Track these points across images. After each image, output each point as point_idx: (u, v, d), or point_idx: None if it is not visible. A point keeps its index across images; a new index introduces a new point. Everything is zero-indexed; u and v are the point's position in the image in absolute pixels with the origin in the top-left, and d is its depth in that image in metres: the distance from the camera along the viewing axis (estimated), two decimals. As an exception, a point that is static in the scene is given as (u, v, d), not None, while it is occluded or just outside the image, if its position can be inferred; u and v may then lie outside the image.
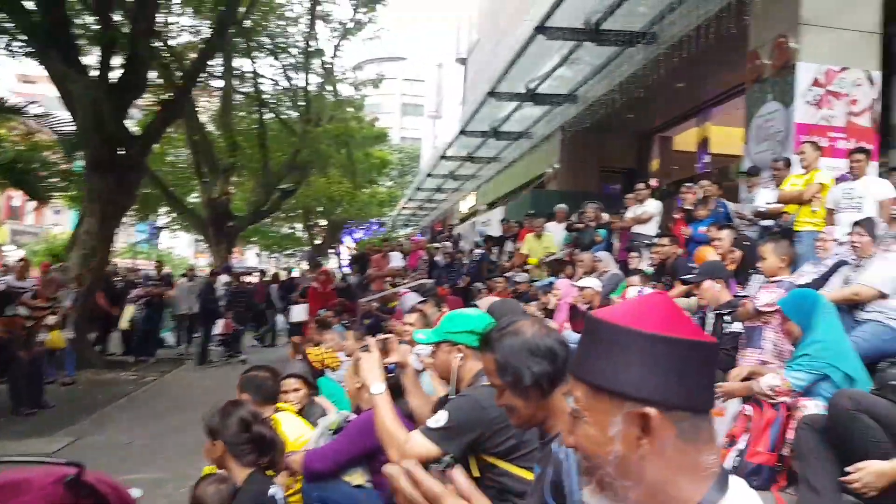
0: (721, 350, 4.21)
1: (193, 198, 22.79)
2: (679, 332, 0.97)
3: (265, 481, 2.63)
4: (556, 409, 1.80)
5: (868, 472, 2.55)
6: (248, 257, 42.18)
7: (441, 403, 2.78)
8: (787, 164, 6.41)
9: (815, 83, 6.98)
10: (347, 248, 32.22)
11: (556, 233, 10.08)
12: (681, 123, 13.51)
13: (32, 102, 8.76)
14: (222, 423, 2.63)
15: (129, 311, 12.28)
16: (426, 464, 2.47)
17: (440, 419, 2.36)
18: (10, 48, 10.88)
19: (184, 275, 13.21)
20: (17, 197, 29.22)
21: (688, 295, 5.40)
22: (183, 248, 41.24)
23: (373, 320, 9.69)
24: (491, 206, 19.55)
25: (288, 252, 36.11)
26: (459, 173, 19.45)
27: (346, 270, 16.02)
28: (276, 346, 14.89)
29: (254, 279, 17.69)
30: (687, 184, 8.35)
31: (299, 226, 31.31)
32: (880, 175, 6.25)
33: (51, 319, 8.46)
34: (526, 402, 1.83)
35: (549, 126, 12.91)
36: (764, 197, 6.43)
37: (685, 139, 13.56)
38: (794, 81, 6.97)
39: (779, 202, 5.96)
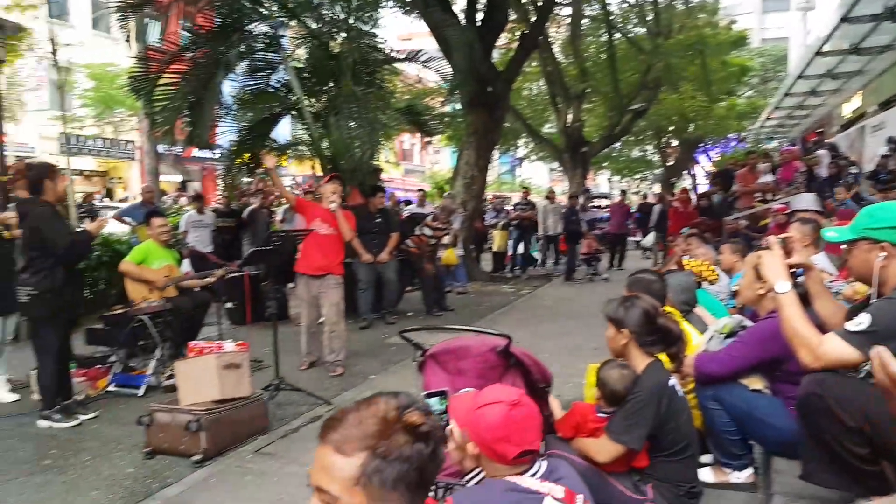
0: None
1: (547, 128, 24.02)
2: None
3: (665, 372, 2.69)
4: None
5: None
6: (600, 183, 42.84)
7: (855, 310, 2.57)
8: None
9: None
10: (703, 167, 30.49)
11: None
12: None
13: (419, 51, 10.14)
14: (626, 313, 2.74)
15: (499, 235, 13.77)
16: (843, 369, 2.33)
17: (862, 322, 2.20)
18: (402, 6, 12.56)
19: (547, 197, 14.20)
20: (406, 141, 34.52)
21: None
22: (540, 177, 43.70)
23: (741, 239, 9.10)
24: (885, 105, 16.40)
25: (638, 176, 35.59)
26: (840, 70, 16.65)
27: (702, 191, 15.42)
28: (624, 269, 15.16)
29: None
30: None
31: (650, 148, 30.59)
32: None
33: (446, 239, 10.01)
34: None
35: (975, -8, 10.20)
36: None
37: None
38: None
39: None
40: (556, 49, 21.35)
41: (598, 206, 24.27)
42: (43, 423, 4.69)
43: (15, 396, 5.36)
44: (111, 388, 5.58)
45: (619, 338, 2.76)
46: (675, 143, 29.09)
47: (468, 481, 1.90)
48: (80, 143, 19.79)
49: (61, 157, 12.57)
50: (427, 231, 9.32)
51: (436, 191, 19.54)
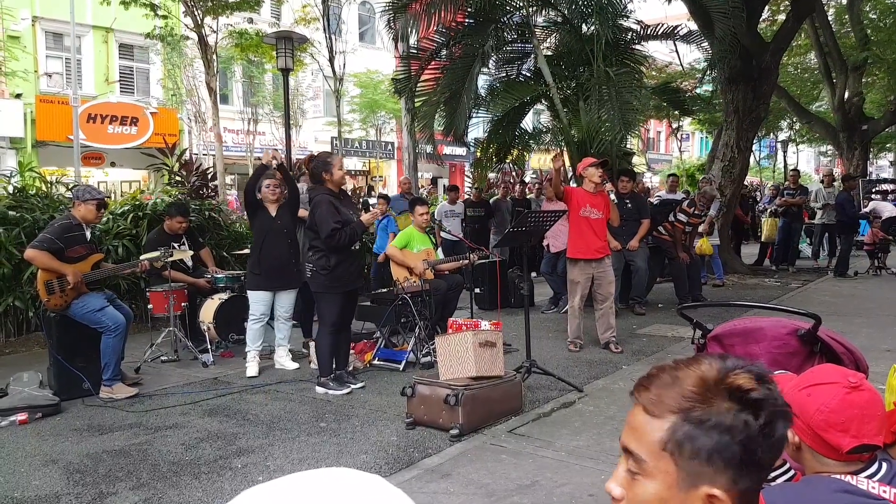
0: None
1: (816, 106, 21.45)
2: None
3: None
4: None
5: None
6: (881, 167, 37.10)
7: None
8: None
9: None
10: None
11: None
12: None
13: (677, 25, 9.50)
14: None
15: (769, 223, 12.43)
16: None
17: None
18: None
19: (821, 181, 12.54)
20: (650, 129, 33.03)
21: None
22: (801, 163, 39.22)
23: None
24: None
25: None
26: None
27: None
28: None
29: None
30: None
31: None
32: None
33: (702, 227, 9.24)
34: None
35: None
36: None
37: None
38: None
39: None
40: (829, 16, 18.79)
41: (884, 192, 21.04)
42: (319, 390, 5.20)
43: (295, 365, 6.02)
44: (376, 361, 6.04)
45: None
46: None
47: (774, 479, 1.61)
48: (348, 144, 22.05)
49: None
50: (682, 217, 8.71)
51: (685, 178, 18.37)
